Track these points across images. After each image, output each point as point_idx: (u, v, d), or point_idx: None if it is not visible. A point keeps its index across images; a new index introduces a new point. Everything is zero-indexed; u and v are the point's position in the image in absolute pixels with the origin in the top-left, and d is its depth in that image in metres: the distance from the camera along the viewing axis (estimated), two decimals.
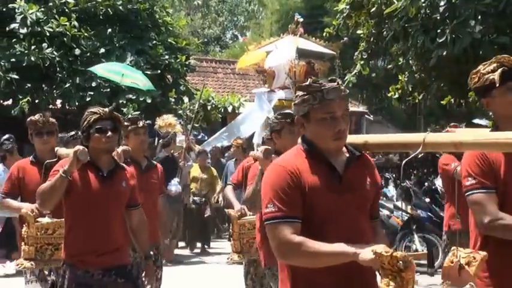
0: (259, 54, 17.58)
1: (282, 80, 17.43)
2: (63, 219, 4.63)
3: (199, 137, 16.28)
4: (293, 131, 4.67)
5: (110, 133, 4.35)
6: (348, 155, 3.04)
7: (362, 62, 12.59)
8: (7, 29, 13.57)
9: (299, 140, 3.11)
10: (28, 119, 5.55)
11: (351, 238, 2.78)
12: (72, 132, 7.46)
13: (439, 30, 9.11)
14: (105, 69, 12.15)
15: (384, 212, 10.97)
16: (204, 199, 12.57)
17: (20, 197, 5.53)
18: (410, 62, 11.05)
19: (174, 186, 10.53)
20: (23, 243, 4.96)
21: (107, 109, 4.49)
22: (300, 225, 2.84)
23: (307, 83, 2.99)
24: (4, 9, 13.74)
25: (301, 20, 18.94)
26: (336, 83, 2.96)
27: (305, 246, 2.75)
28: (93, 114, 4.35)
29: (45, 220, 4.99)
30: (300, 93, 3.00)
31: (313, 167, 2.93)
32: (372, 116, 26.41)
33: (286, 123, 4.89)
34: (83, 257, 4.31)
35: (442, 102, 11.73)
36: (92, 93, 13.52)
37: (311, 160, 2.96)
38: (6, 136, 10.59)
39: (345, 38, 17.41)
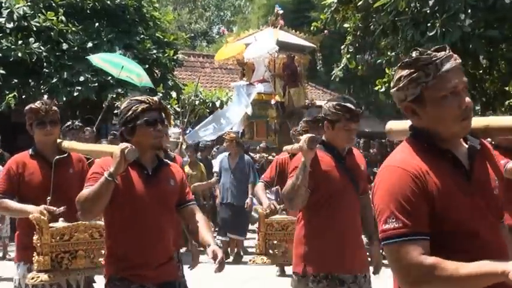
0: (238, 46, 17.37)
1: (261, 73, 17.29)
2: (83, 222, 4.25)
3: (187, 131, 16.21)
4: (349, 128, 4.24)
5: (160, 126, 3.71)
6: (466, 144, 2.46)
7: (348, 56, 12.63)
8: None
9: (407, 133, 2.52)
10: (27, 107, 4.85)
11: (491, 252, 2.25)
12: (69, 123, 7.43)
13: (429, 24, 9.16)
14: (102, 59, 11.72)
15: None
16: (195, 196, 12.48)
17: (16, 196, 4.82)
18: (400, 56, 11.07)
19: None
20: (35, 253, 4.25)
21: (156, 98, 3.82)
22: (428, 242, 2.27)
23: (414, 56, 2.39)
24: None
25: (281, 12, 18.83)
26: (447, 51, 2.39)
27: (441, 269, 2.19)
28: (140, 104, 3.69)
29: (60, 224, 4.34)
30: (403, 72, 2.38)
31: (435, 166, 2.34)
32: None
33: (344, 118, 4.23)
34: (138, 271, 3.65)
35: None
36: (79, 88, 13.45)
37: (431, 156, 2.36)
38: None
39: (325, 31, 17.41)
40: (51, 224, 4.27)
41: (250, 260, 5.63)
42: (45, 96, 14.36)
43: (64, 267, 4.30)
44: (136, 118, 3.67)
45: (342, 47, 13.00)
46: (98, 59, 11.76)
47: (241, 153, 11.19)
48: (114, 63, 11.55)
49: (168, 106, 15.86)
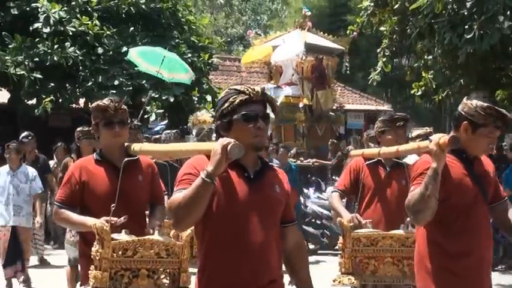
0: (265, 49, 17.12)
1: (289, 75, 17.00)
2: (149, 237, 3.74)
3: None
4: (494, 136, 3.69)
5: (261, 122, 3.07)
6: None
7: (384, 59, 12.46)
8: (30, 28, 13.60)
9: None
10: (94, 104, 4.31)
11: None
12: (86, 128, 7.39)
13: (466, 26, 8.92)
14: (139, 53, 11.47)
15: None
16: None
17: (78, 207, 4.27)
18: (437, 59, 10.89)
19: None
20: (92, 267, 3.71)
21: (258, 88, 3.19)
22: None
23: None
24: (27, 9, 13.76)
25: (308, 13, 18.60)
26: None
27: None
28: (239, 94, 3.08)
29: (123, 237, 3.75)
30: None
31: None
32: None
33: (493, 124, 3.64)
34: None
35: None
36: (114, 91, 13.47)
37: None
38: (26, 133, 10.58)
39: (354, 33, 17.18)
40: (113, 235, 3.71)
41: (334, 280, 4.85)
42: (81, 100, 14.63)
43: (123, 286, 3.71)
44: (233, 112, 3.07)
45: (378, 50, 12.84)
46: (135, 53, 11.60)
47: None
48: (152, 57, 11.28)
49: (204, 110, 15.88)
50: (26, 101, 13.97)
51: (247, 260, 2.97)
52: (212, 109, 15.63)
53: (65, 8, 13.85)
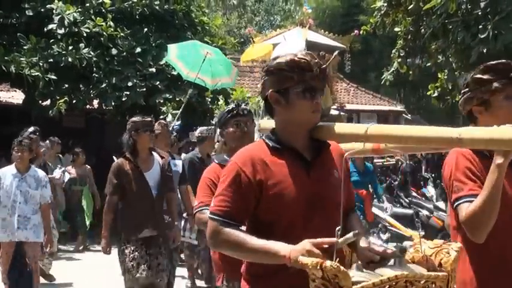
0: (266, 46, 16.43)
1: None
2: (403, 272, 2.31)
3: None
4: None
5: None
6: None
7: (399, 60, 12.46)
8: (45, 29, 13.67)
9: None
10: (286, 59, 2.69)
11: None
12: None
13: (480, 26, 8.91)
14: (178, 57, 10.63)
15: (424, 213, 10.77)
16: None
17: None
18: (450, 59, 10.85)
19: None
20: None
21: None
22: None
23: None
24: (42, 10, 13.82)
25: (309, 11, 18.39)
26: None
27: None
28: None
29: (363, 277, 2.35)
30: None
31: None
32: (409, 115, 26.08)
33: None
34: None
35: None
36: (128, 93, 13.53)
37: None
38: (33, 128, 9.36)
39: (355, 31, 17.08)
40: (352, 276, 2.27)
41: None
42: (95, 102, 14.68)
43: None
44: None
45: (393, 51, 12.85)
46: (174, 55, 10.71)
47: None
48: (192, 60, 10.41)
49: (216, 111, 15.88)
50: (40, 101, 14.04)
51: None
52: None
53: (79, 10, 13.91)
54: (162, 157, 6.70)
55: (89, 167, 12.50)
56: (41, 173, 7.48)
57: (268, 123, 3.00)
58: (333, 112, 17.44)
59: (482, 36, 8.76)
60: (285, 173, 2.66)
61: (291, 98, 2.69)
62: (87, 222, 12.08)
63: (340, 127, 2.75)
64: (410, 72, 13.02)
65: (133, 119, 6.58)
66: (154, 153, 6.65)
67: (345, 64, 18.06)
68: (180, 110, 10.87)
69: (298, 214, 2.61)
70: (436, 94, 12.01)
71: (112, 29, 13.83)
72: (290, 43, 15.97)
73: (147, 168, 6.50)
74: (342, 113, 17.77)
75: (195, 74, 10.44)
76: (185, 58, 11.00)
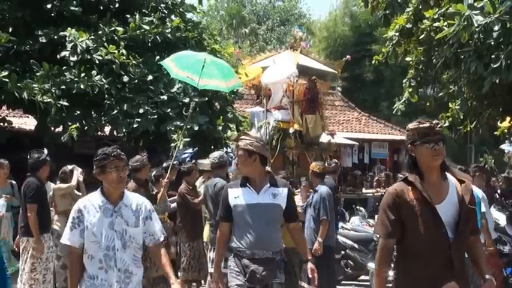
0: (254, 69, 16.50)
1: (278, 98, 16.15)
2: None
3: None
4: None
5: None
6: None
7: (410, 90, 12.44)
8: (58, 56, 13.76)
9: None
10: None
11: None
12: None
13: (493, 56, 8.83)
14: (181, 67, 9.99)
15: None
16: None
17: None
18: (463, 89, 10.81)
19: None
20: None
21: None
22: None
23: None
24: (55, 37, 13.93)
25: (300, 34, 18.09)
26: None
27: None
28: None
29: None
30: None
31: None
32: None
33: None
34: None
35: (495, 132, 11.22)
36: (139, 120, 13.56)
37: None
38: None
39: (348, 56, 16.93)
40: None
41: None
42: (107, 128, 14.70)
43: None
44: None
45: (404, 80, 12.82)
46: (175, 68, 10.07)
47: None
48: (194, 65, 9.85)
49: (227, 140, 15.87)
50: (52, 128, 14.09)
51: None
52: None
53: (92, 37, 14.00)
54: None
55: None
56: (137, 198, 4.92)
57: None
58: (324, 139, 17.18)
59: (495, 66, 8.68)
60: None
61: None
62: None
63: None
64: (427, 103, 12.99)
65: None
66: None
67: (336, 89, 17.79)
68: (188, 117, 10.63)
69: None
70: (447, 124, 11.94)
71: (124, 57, 13.90)
72: (280, 67, 15.64)
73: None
74: (332, 140, 17.40)
75: (204, 80, 9.80)
76: (179, 61, 10.23)
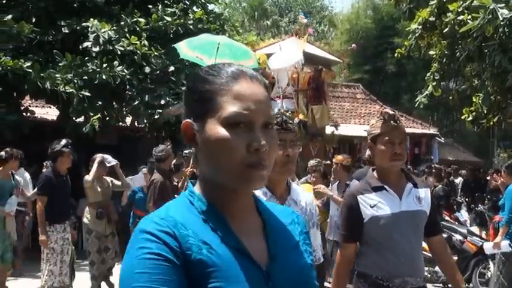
0: (259, 56, 16.13)
1: (283, 86, 15.49)
2: None
3: None
4: None
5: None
6: None
7: (434, 83, 12.34)
8: (80, 47, 13.81)
9: None
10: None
11: None
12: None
13: None
14: (191, 47, 9.84)
15: (457, 237, 10.59)
16: None
17: None
18: (486, 83, 10.72)
19: None
20: None
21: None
22: None
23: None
24: (78, 28, 13.98)
25: (305, 20, 17.79)
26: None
27: None
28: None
29: None
30: None
31: None
32: (442, 139, 25.80)
33: None
34: None
35: None
36: (160, 110, 13.59)
37: None
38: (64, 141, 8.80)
39: (353, 45, 16.69)
40: None
41: None
42: (128, 119, 14.76)
43: None
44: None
45: (428, 74, 12.73)
46: (185, 48, 10.02)
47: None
48: (205, 46, 9.79)
49: None
50: (74, 118, 14.15)
51: None
52: None
53: (114, 28, 14.03)
54: None
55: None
56: None
57: None
58: (327, 131, 16.85)
59: None
60: None
61: None
62: None
63: None
64: (450, 97, 12.90)
65: None
66: None
67: (341, 74, 17.47)
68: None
69: None
70: (470, 118, 11.85)
71: (146, 48, 13.93)
72: (286, 53, 15.32)
73: None
74: (335, 132, 17.03)
75: (197, 54, 9.62)
76: (201, 47, 10.05)
